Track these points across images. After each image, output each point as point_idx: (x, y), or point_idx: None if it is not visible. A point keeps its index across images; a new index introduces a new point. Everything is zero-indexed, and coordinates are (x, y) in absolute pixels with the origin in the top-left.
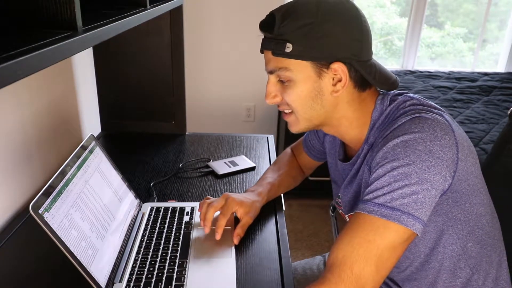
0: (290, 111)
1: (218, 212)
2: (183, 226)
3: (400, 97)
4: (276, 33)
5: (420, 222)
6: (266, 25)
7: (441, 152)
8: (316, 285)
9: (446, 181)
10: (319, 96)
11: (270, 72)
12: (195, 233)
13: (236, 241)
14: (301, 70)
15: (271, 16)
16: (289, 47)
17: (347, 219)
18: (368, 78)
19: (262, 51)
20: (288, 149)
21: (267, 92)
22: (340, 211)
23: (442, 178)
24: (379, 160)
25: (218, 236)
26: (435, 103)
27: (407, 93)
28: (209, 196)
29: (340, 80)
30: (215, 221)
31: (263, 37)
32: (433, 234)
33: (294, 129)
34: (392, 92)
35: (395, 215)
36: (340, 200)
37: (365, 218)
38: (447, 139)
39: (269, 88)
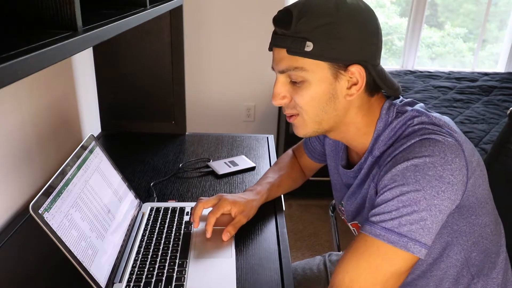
0: (297, 113)
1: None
2: (183, 226)
3: (408, 108)
4: (293, 31)
5: (425, 247)
6: (282, 21)
7: (452, 177)
8: None
9: (454, 203)
10: (332, 99)
11: (282, 72)
12: (195, 233)
13: (224, 237)
14: (317, 71)
15: (287, 12)
16: (309, 46)
17: (350, 226)
18: (379, 83)
19: (270, 49)
20: (290, 151)
21: (275, 93)
22: (343, 218)
23: (451, 203)
24: (388, 182)
25: (208, 235)
26: (435, 103)
27: (415, 102)
28: (202, 197)
29: (355, 84)
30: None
31: (273, 33)
32: (437, 246)
33: (302, 132)
34: (397, 102)
35: (402, 242)
36: (343, 208)
37: (372, 242)
38: (457, 162)
39: (278, 88)
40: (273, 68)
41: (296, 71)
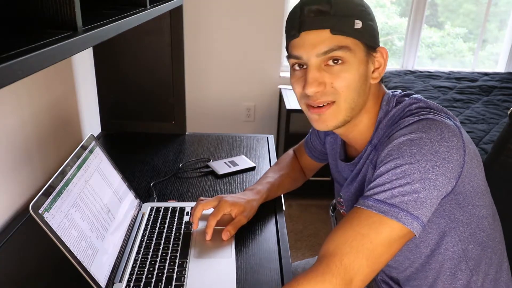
0: (332, 101)
1: (211, 210)
2: (183, 226)
3: (406, 98)
4: (334, 9)
5: (418, 221)
6: (321, 1)
7: (448, 154)
8: (304, 274)
9: (450, 183)
10: (365, 83)
11: (323, 54)
12: (195, 233)
13: (224, 237)
14: (358, 52)
15: None
16: (358, 24)
17: None
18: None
19: (300, 31)
20: (290, 151)
21: (311, 79)
22: (341, 211)
23: (446, 180)
24: (384, 158)
25: (208, 237)
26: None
27: (413, 93)
28: (202, 197)
29: (377, 68)
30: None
31: (304, 17)
32: (434, 236)
33: (330, 123)
34: (398, 93)
35: (393, 212)
36: (341, 200)
37: (362, 213)
38: (454, 140)
39: (314, 73)
40: (294, 58)
41: (341, 50)
